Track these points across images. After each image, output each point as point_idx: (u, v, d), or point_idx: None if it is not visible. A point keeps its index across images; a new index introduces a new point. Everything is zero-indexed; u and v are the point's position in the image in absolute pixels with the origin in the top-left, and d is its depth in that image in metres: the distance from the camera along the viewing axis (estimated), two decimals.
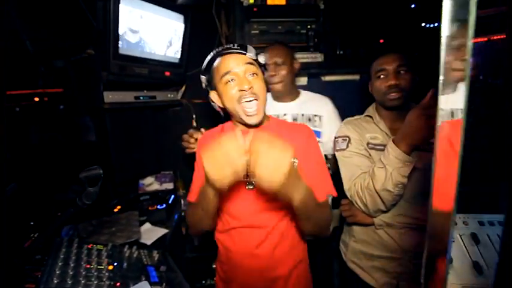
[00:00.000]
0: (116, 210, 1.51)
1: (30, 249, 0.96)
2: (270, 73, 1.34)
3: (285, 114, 1.46)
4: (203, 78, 0.96)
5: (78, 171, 0.77)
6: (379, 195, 1.01)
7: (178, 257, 1.64)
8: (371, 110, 1.25)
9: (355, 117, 1.29)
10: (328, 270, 1.70)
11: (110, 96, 1.44)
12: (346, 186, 1.14)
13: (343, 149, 1.16)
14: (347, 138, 1.17)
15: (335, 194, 0.95)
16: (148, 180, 1.86)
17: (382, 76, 1.13)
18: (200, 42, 1.91)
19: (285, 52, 1.40)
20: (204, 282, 1.87)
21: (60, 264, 0.90)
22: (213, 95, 0.95)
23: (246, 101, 0.86)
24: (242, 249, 0.96)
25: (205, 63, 0.93)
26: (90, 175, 0.71)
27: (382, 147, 1.11)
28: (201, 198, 0.86)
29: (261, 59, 0.91)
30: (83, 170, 0.72)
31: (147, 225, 1.48)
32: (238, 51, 0.87)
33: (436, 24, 1.98)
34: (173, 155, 2.01)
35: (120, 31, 1.37)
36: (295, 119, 1.46)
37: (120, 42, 1.39)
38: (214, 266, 1.22)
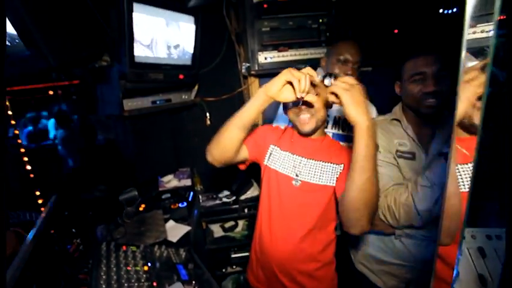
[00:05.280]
0: (141, 209, 1.62)
1: (75, 255, 1.08)
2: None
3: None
4: None
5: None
6: (419, 214, 0.94)
7: (200, 250, 1.78)
8: (398, 112, 1.14)
9: (381, 117, 1.19)
10: None
11: (129, 104, 1.49)
12: None
13: None
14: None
15: None
16: (168, 177, 1.96)
17: (418, 80, 1.00)
18: (210, 39, 1.90)
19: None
20: (224, 270, 2.03)
21: (104, 268, 1.02)
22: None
23: (301, 116, 0.99)
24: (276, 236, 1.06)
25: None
26: (127, 197, 0.79)
27: (410, 155, 1.06)
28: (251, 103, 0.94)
29: (327, 81, 0.92)
30: (121, 193, 0.79)
31: (171, 223, 1.59)
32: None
33: (455, 10, 1.88)
34: (190, 152, 2.09)
35: (135, 39, 1.39)
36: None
37: (135, 50, 1.41)
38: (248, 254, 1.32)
